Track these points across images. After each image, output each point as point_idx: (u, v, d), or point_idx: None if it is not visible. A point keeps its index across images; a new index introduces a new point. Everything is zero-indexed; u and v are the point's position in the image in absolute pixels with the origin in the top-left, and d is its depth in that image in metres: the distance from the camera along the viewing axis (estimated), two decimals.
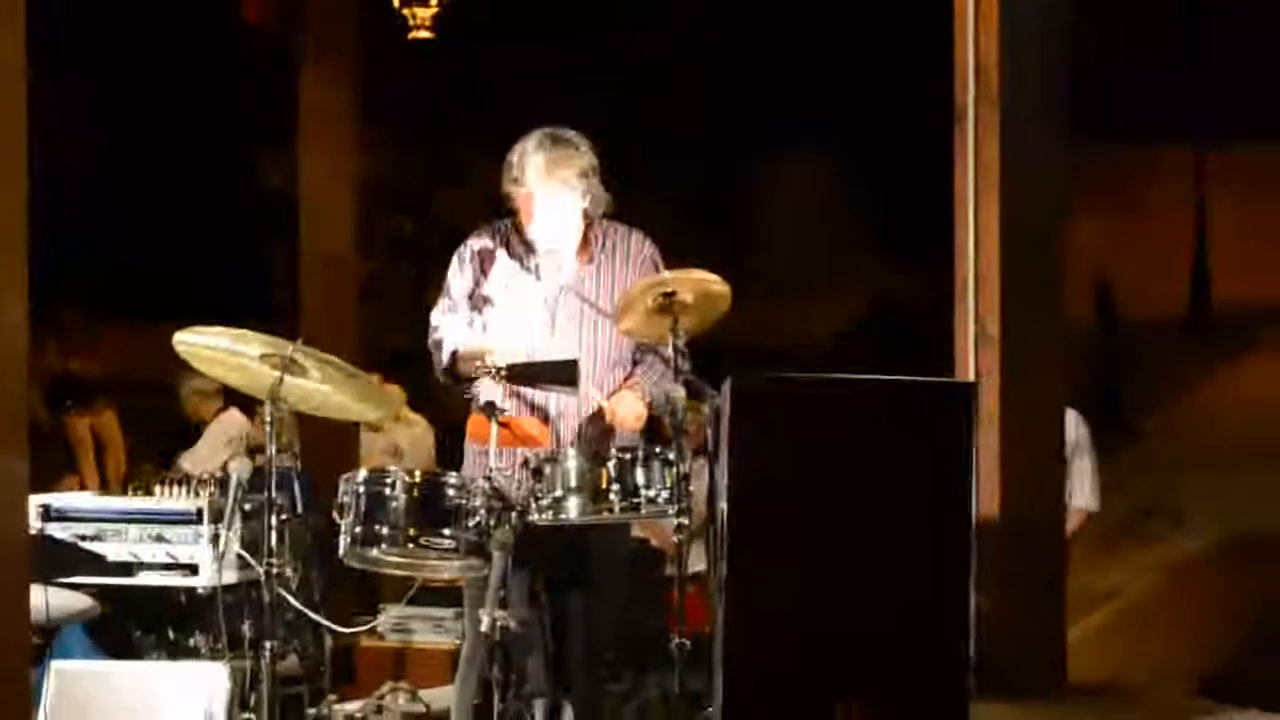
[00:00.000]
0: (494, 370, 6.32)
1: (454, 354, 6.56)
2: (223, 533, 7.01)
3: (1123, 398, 16.44)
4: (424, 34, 12.40)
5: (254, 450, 10.55)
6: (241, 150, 15.95)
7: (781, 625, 5.52)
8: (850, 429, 5.64)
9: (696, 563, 8.48)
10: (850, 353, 16.91)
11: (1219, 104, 17.73)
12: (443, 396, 6.98)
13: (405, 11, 12.38)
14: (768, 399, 5.67)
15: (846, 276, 18.36)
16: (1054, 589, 8.03)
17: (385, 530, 6.16)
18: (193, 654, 7.60)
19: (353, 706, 7.86)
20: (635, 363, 6.63)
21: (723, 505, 5.45)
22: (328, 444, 9.79)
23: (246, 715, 6.76)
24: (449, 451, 10.86)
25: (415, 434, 11.56)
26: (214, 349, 6.37)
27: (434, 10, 12.39)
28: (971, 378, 7.82)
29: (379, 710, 7.81)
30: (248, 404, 11.28)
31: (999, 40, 8.05)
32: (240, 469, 6.76)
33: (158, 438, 12.07)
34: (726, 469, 5.52)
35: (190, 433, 11.77)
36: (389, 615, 8.50)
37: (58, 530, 7.56)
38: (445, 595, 8.34)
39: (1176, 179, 19.36)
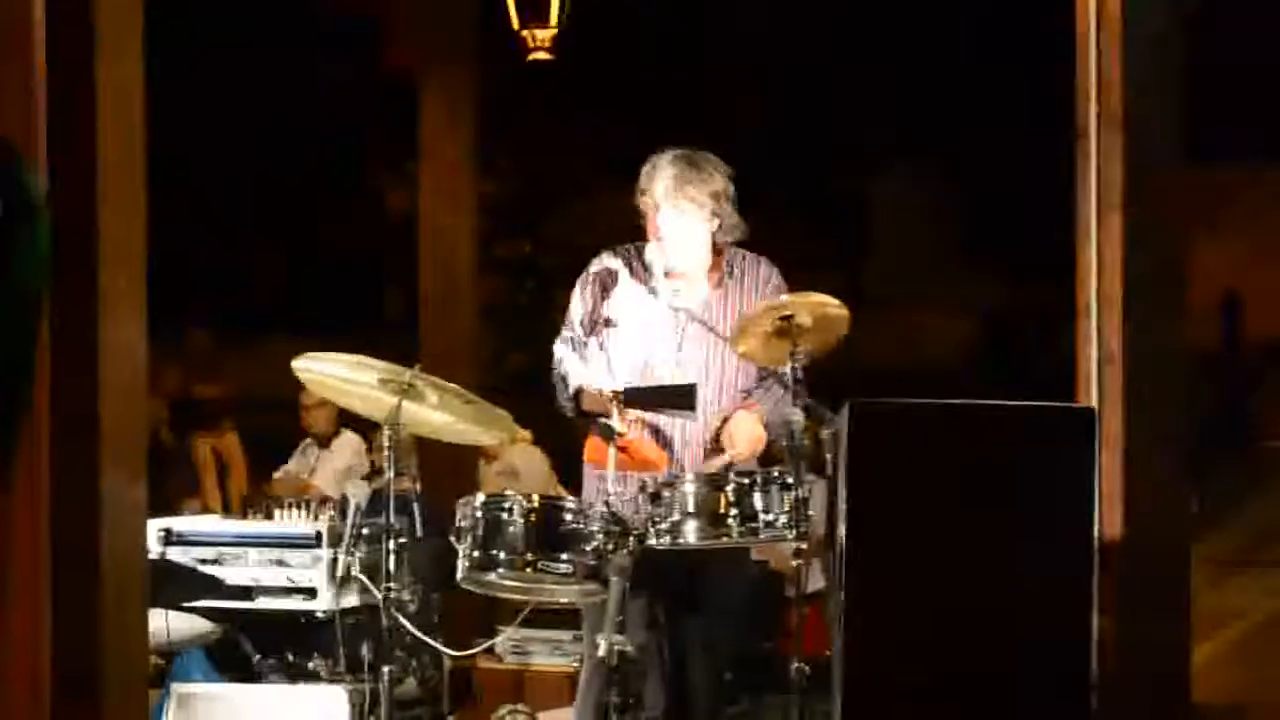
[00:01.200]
0: (613, 395, 6.30)
1: (578, 391, 6.55)
2: (341, 557, 7.06)
3: (1248, 419, 16.31)
4: (543, 55, 12.44)
5: (373, 473, 10.63)
6: (364, 173, 16.07)
7: (901, 650, 5.49)
8: (970, 454, 5.60)
9: (815, 583, 8.54)
10: (964, 371, 16.87)
11: None
12: (559, 419, 7.00)
13: (525, 33, 12.42)
14: (887, 424, 5.66)
15: (961, 294, 18.27)
16: (1178, 611, 7.96)
17: (503, 554, 6.17)
18: (312, 677, 7.61)
19: None
20: (758, 388, 6.59)
21: (842, 530, 5.44)
22: (445, 467, 9.85)
23: None
24: (564, 474, 10.96)
25: (530, 456, 11.60)
26: (333, 375, 6.46)
27: (553, 31, 12.42)
28: (1094, 400, 7.76)
29: None
30: (363, 426, 11.39)
31: (1122, 57, 7.99)
32: (358, 493, 6.81)
33: (281, 457, 12.16)
34: (846, 493, 5.51)
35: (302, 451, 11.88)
36: (507, 637, 8.52)
37: (178, 554, 7.62)
38: (564, 618, 8.33)
39: None
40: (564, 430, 7.21)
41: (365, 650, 7.22)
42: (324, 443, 11.62)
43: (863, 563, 5.44)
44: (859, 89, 17.30)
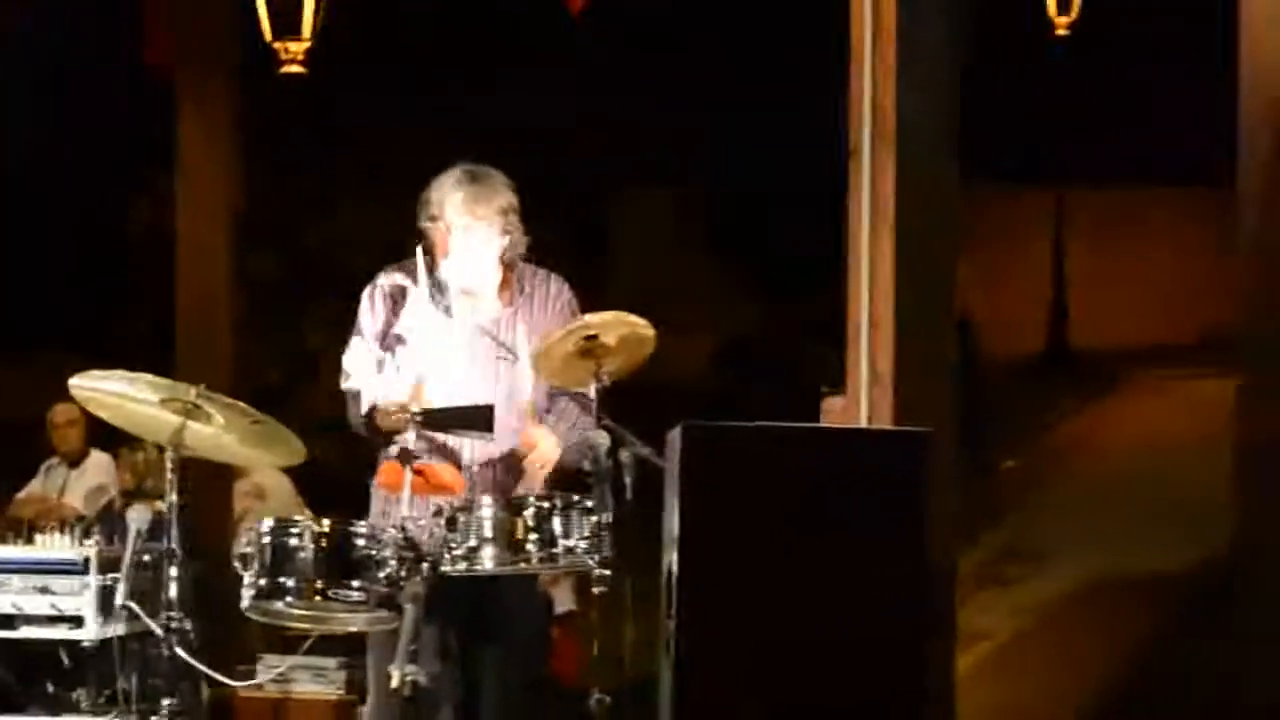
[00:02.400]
0: (408, 416, 5.99)
1: (372, 408, 6.23)
2: (121, 584, 6.64)
3: (984, 440, 16.37)
4: (296, 68, 12.07)
5: (126, 494, 10.22)
6: (117, 184, 15.63)
7: (732, 679, 5.26)
8: (803, 477, 5.39)
9: (564, 605, 8.25)
10: (707, 390, 16.74)
11: (1079, 149, 17.80)
12: (310, 436, 6.69)
13: (277, 45, 12.04)
14: (720, 446, 5.40)
15: (707, 314, 18.21)
16: (946, 631, 7.80)
17: (291, 582, 5.86)
18: (74, 709, 7.20)
19: None
20: (549, 409, 6.37)
21: (673, 555, 5.15)
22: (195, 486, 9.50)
23: None
24: (310, 494, 10.59)
25: (277, 476, 11.17)
26: (112, 393, 6.11)
27: (306, 44, 12.05)
28: (864, 419, 7.59)
29: None
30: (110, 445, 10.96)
31: (895, 77, 7.82)
32: (139, 517, 6.39)
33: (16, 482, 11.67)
34: (677, 518, 5.22)
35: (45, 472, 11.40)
36: (270, 665, 8.15)
37: None
38: (327, 643, 8.00)
39: (1038, 220, 19.43)
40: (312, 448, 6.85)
41: (128, 680, 6.75)
42: (73, 462, 11.13)
43: (693, 589, 5.17)
44: (617, 108, 17.16)
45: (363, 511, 6.30)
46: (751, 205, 17.33)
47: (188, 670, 6.52)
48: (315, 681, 8.67)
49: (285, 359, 12.25)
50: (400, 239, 6.48)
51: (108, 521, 8.75)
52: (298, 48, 12.03)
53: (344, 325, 6.46)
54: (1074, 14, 11.96)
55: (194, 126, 9.67)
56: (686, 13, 15.79)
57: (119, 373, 6.06)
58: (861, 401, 7.83)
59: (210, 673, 6.48)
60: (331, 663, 8.55)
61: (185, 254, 9.83)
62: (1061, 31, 12.03)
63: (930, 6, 7.87)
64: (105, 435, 10.34)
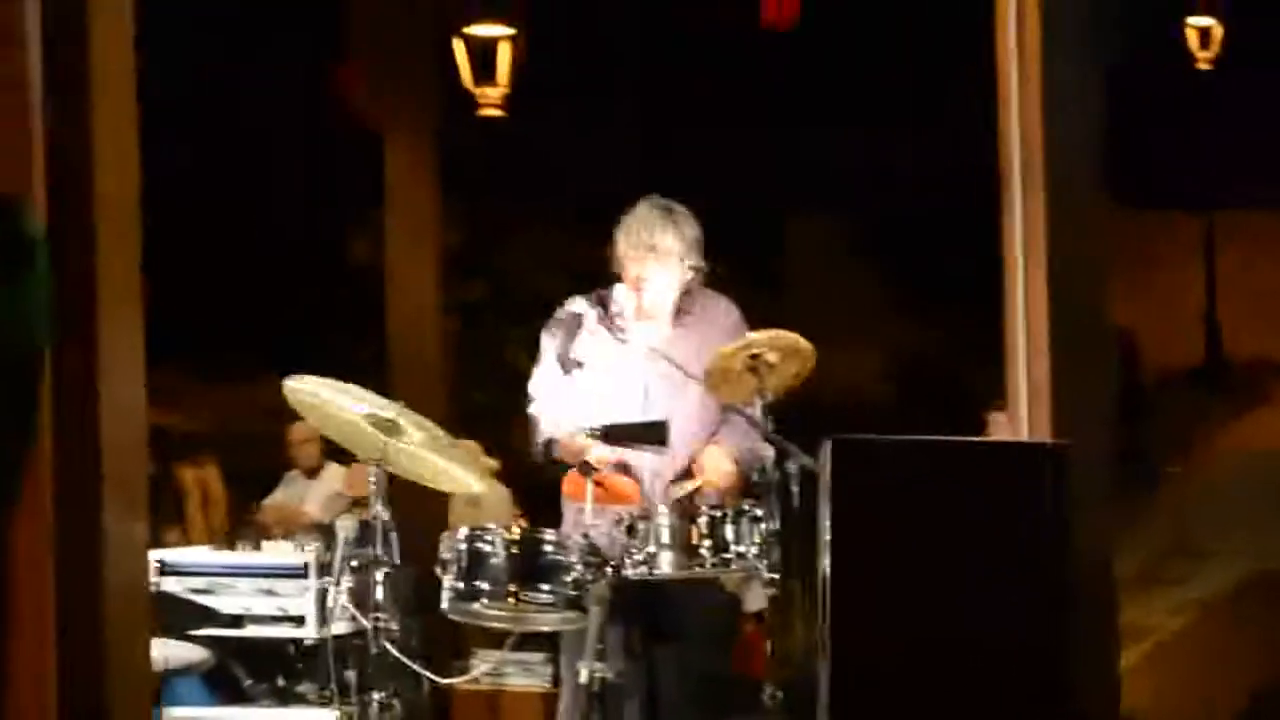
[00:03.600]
0: (589, 433, 6.07)
1: (548, 442, 6.34)
2: (330, 587, 6.78)
3: (1148, 447, 16.17)
4: (494, 111, 12.21)
5: (355, 505, 10.35)
6: (332, 218, 15.86)
7: (883, 676, 5.23)
8: (945, 487, 5.36)
9: (756, 602, 8.24)
10: (884, 406, 16.67)
11: (1228, 173, 17.51)
12: (521, 452, 6.77)
13: (476, 90, 12.19)
14: (866, 458, 5.39)
15: (876, 333, 18.11)
16: (1108, 629, 7.72)
17: (486, 585, 5.95)
18: (301, 700, 7.32)
19: None
20: (722, 423, 6.36)
21: (825, 560, 5.16)
22: (414, 497, 9.57)
23: None
24: (525, 505, 10.66)
25: (494, 488, 11.25)
26: (319, 399, 6.23)
27: (503, 89, 12.20)
28: (1025, 432, 7.54)
29: None
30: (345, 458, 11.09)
31: (1042, 107, 7.78)
32: (346, 525, 6.52)
33: (256, 489, 11.86)
34: (829, 525, 5.23)
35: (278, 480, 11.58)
36: (483, 661, 8.22)
37: (172, 584, 7.32)
38: (536, 640, 8.08)
39: (1189, 241, 19.18)
40: (526, 463, 6.94)
41: (351, 675, 6.86)
42: (311, 473, 11.29)
43: (843, 591, 5.15)
44: (778, 142, 17.14)
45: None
46: (918, 228, 17.22)
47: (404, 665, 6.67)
48: (525, 676, 8.70)
49: (490, 380, 12.31)
50: (597, 268, 6.54)
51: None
52: (495, 93, 12.18)
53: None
54: (1215, 49, 11.80)
55: (400, 168, 9.76)
56: (850, 41, 15.70)
57: (327, 380, 6.16)
58: (1022, 415, 7.80)
59: (416, 668, 6.60)
60: (539, 658, 8.58)
61: (395, 284, 9.92)
62: (1203, 65, 11.88)
63: (1075, 34, 7.83)
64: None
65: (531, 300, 6.64)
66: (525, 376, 6.53)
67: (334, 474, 11.26)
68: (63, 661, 4.35)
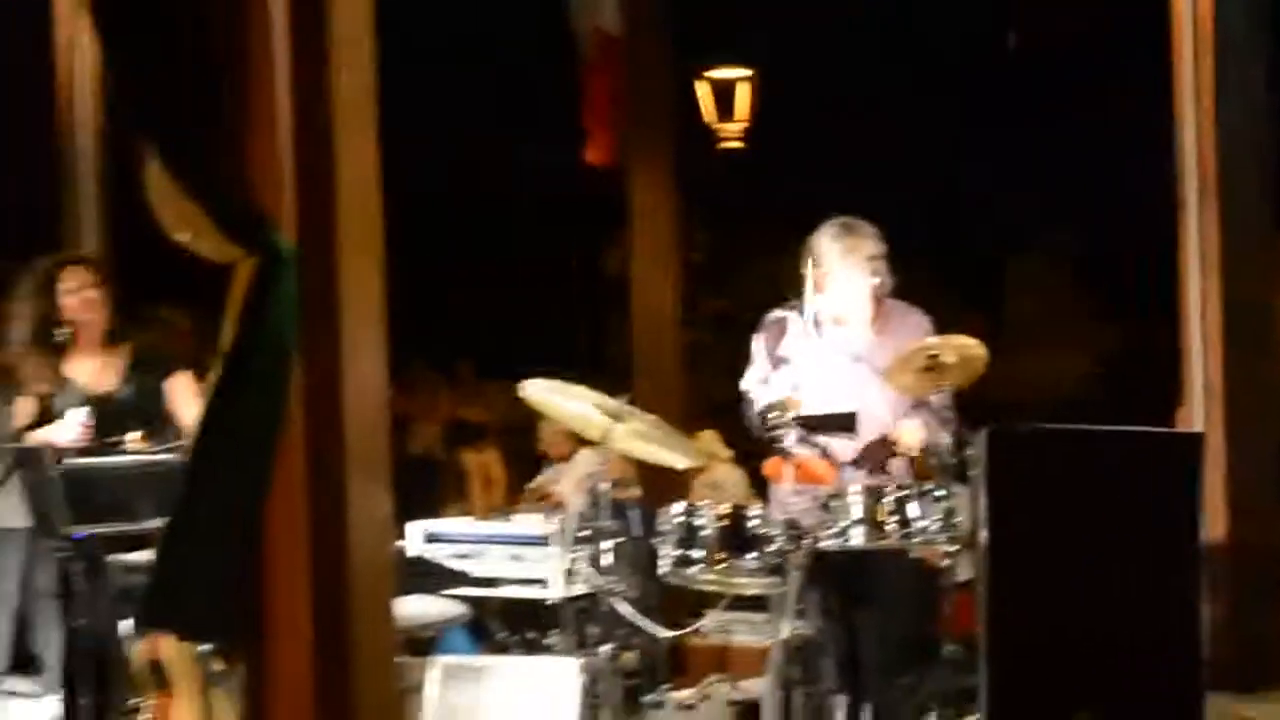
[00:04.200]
0: (789, 421, 6.00)
1: (762, 412, 6.24)
2: (567, 553, 6.80)
3: None
4: (733, 144, 12.19)
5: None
6: (588, 237, 15.99)
7: (1034, 637, 5.11)
8: (1091, 471, 5.21)
9: (965, 573, 8.07)
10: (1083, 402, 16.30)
11: None
12: (754, 444, 6.74)
13: (717, 126, 12.19)
14: (1017, 445, 5.27)
15: (1077, 339, 17.69)
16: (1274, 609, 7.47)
17: (697, 554, 5.93)
18: (548, 651, 7.31)
19: (683, 694, 7.49)
20: (909, 413, 6.25)
21: (984, 534, 5.05)
22: (666, 481, 9.55)
23: (594, 701, 6.50)
24: (759, 488, 10.59)
25: (731, 473, 11.20)
26: (550, 398, 6.28)
27: (742, 124, 12.18)
28: (1200, 424, 7.36)
29: (705, 698, 7.43)
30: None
31: (1215, 132, 7.59)
32: (580, 501, 6.52)
33: (528, 473, 11.95)
34: (986, 503, 5.11)
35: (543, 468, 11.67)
36: (712, 619, 8.15)
37: (437, 551, 7.33)
38: (760, 601, 7.96)
39: None
40: (757, 453, 6.89)
41: (592, 630, 6.84)
42: (563, 460, 11.36)
43: (1001, 561, 5.05)
44: (995, 172, 16.85)
45: None
46: (1115, 240, 16.79)
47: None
48: (751, 632, 8.61)
49: (728, 381, 12.24)
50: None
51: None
52: (735, 128, 12.17)
53: None
54: None
55: (643, 195, 9.75)
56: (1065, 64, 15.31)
57: (560, 384, 6.19)
58: (1197, 412, 7.60)
59: (641, 623, 6.56)
60: (761, 616, 8.47)
61: (638, 295, 9.91)
62: None
63: (1247, 64, 7.63)
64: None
65: (764, 312, 6.58)
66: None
67: (585, 459, 11.31)
68: (316, 613, 4.39)
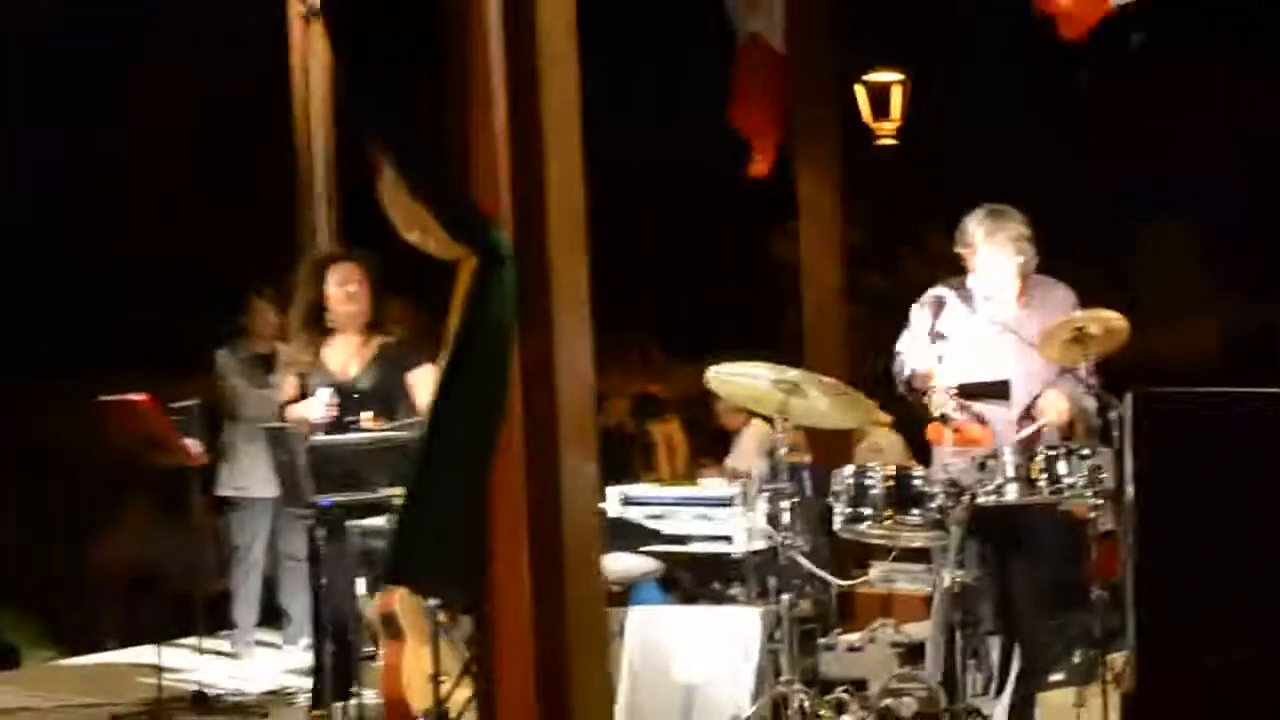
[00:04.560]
0: (947, 389, 6.04)
1: (910, 376, 6.37)
2: (749, 513, 6.87)
3: None
4: (888, 141, 12.15)
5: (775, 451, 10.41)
6: (757, 231, 16.02)
7: (1179, 585, 5.04)
8: (1233, 429, 5.11)
9: (1107, 525, 8.01)
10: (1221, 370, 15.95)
11: None
12: (911, 410, 6.75)
13: (874, 125, 12.16)
14: (1165, 406, 5.20)
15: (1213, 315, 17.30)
16: None
17: (868, 511, 6.01)
18: (732, 601, 7.39)
19: (852, 637, 7.54)
20: (1056, 380, 6.25)
21: (1130, 489, 5.03)
22: (832, 446, 9.58)
23: (773, 645, 6.55)
24: (916, 452, 10.57)
25: (890, 438, 11.19)
26: (736, 378, 6.29)
27: (896, 123, 12.15)
28: None
29: (872, 640, 7.47)
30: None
31: None
32: (760, 466, 6.59)
33: (705, 443, 12.06)
34: (1134, 461, 5.09)
35: (723, 439, 11.76)
36: (877, 570, 8.18)
37: (633, 512, 7.46)
38: (920, 553, 7.96)
39: None
40: (914, 419, 6.91)
41: (772, 581, 6.90)
42: (737, 432, 11.44)
43: (1146, 515, 4.98)
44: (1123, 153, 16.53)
45: None
46: (1250, 222, 16.41)
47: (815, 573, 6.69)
48: (911, 581, 8.61)
49: (886, 353, 12.21)
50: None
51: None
52: (889, 127, 12.13)
53: None
54: None
55: (809, 187, 9.78)
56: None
57: (741, 364, 6.22)
58: None
59: (818, 574, 6.62)
60: (921, 567, 8.45)
61: (807, 278, 9.94)
62: None
63: None
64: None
65: (919, 290, 6.59)
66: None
67: (754, 430, 11.39)
68: (534, 569, 4.50)
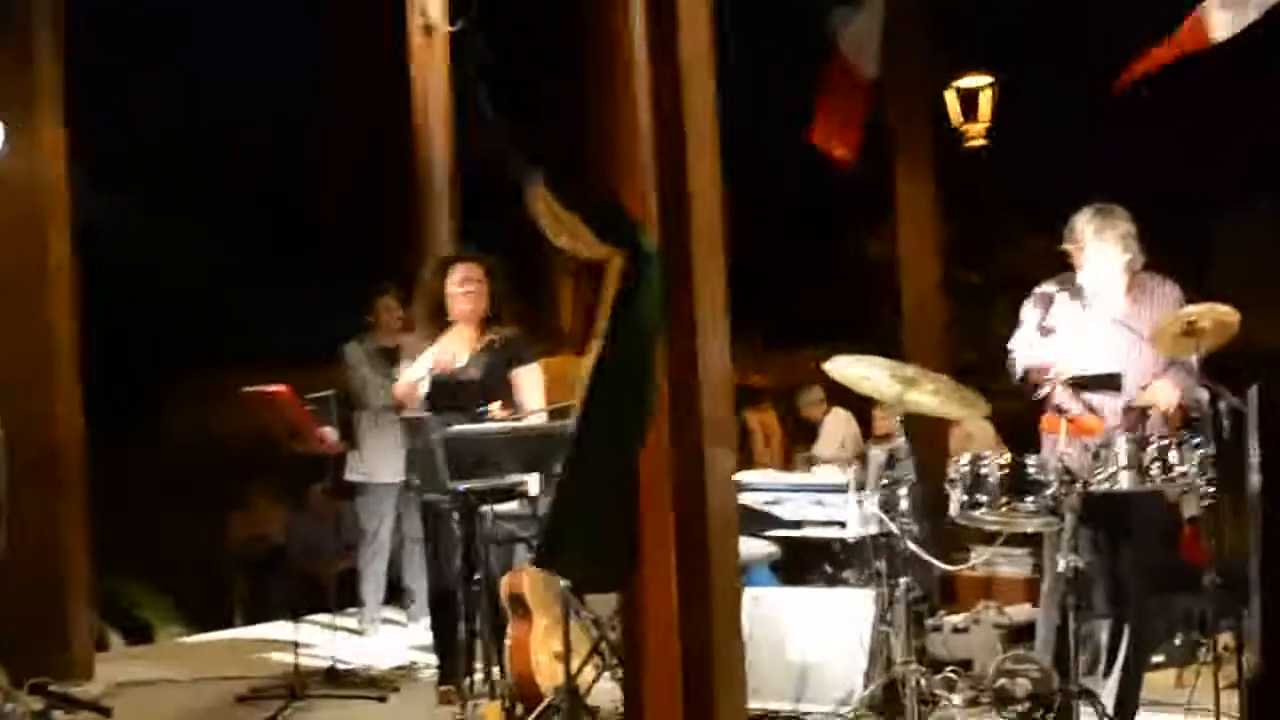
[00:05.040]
0: (1061, 381, 6.00)
1: (1025, 370, 6.26)
2: (865, 499, 6.79)
3: None
4: (978, 142, 12.03)
5: (869, 439, 10.35)
6: (852, 230, 15.93)
7: None
8: None
9: (1190, 509, 7.89)
10: None
11: None
12: (1001, 399, 6.67)
13: (963, 128, 12.06)
14: None
15: None
16: None
17: (985, 498, 5.91)
18: (844, 584, 7.33)
19: (957, 619, 7.45)
20: (1166, 371, 6.15)
21: (1255, 478, 4.93)
22: (920, 432, 9.50)
23: (884, 627, 6.52)
24: (1005, 434, 10.44)
25: (982, 425, 11.07)
26: (855, 371, 6.22)
27: (984, 125, 12.03)
28: None
29: (976, 621, 7.39)
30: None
31: None
32: (877, 454, 6.51)
33: (792, 431, 12.04)
34: (1258, 451, 4.98)
35: (805, 428, 11.73)
36: (979, 554, 8.08)
37: (748, 498, 7.40)
38: (1019, 538, 7.86)
39: None
40: (1002, 408, 6.81)
41: (881, 565, 6.83)
42: (820, 421, 11.42)
43: (1273, 500, 4.86)
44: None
45: (1035, 449, 6.22)
46: None
47: (919, 557, 6.61)
48: (1011, 565, 8.52)
49: (978, 343, 12.09)
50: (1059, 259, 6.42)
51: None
52: (978, 129, 12.01)
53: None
54: None
55: (907, 188, 9.75)
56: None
57: (860, 357, 6.18)
58: None
59: (930, 559, 6.53)
60: (1020, 552, 8.38)
61: (906, 273, 9.90)
62: None
63: None
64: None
65: (1011, 284, 6.52)
66: (1005, 340, 6.46)
67: (836, 417, 11.35)
68: (679, 556, 4.46)
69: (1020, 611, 7.59)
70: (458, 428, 6.24)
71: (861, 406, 10.62)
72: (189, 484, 12.50)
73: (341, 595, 9.19)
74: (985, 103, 11.99)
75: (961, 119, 11.98)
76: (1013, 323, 6.43)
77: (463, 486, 6.15)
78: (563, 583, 5.85)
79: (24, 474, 6.49)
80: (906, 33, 9.55)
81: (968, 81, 11.99)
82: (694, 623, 4.41)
